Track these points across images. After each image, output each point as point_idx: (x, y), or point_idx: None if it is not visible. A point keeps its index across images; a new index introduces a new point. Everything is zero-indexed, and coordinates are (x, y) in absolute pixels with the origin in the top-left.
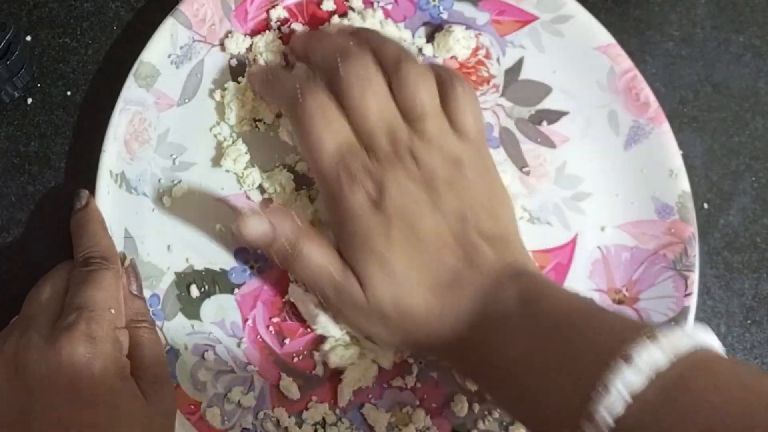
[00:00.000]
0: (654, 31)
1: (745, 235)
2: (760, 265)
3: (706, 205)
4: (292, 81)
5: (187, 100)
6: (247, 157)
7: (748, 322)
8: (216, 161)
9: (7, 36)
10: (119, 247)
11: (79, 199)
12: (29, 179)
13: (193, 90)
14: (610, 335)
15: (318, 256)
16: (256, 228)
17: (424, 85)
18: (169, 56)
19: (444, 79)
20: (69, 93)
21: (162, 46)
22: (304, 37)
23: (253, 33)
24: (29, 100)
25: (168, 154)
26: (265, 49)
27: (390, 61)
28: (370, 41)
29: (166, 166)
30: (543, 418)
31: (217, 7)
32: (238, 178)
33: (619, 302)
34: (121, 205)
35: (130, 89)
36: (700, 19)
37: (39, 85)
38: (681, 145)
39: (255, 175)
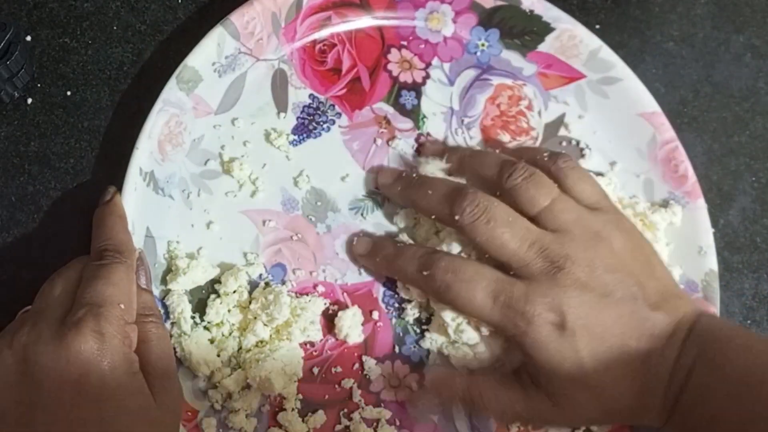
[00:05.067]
0: (654, 31)
1: (745, 235)
2: (760, 265)
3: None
4: (409, 255)
5: (225, 111)
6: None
7: (748, 322)
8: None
9: (7, 36)
10: (138, 245)
11: (105, 194)
12: (29, 179)
13: (232, 101)
14: None
15: (496, 403)
16: (427, 407)
17: (532, 183)
18: (213, 64)
19: (547, 165)
20: (69, 93)
21: (207, 52)
22: (404, 190)
23: (299, 53)
24: (29, 100)
25: (199, 160)
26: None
27: (493, 179)
28: (465, 166)
29: (196, 173)
30: None
31: (267, 22)
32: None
33: None
34: (147, 203)
35: (171, 91)
36: (700, 19)
37: (39, 85)
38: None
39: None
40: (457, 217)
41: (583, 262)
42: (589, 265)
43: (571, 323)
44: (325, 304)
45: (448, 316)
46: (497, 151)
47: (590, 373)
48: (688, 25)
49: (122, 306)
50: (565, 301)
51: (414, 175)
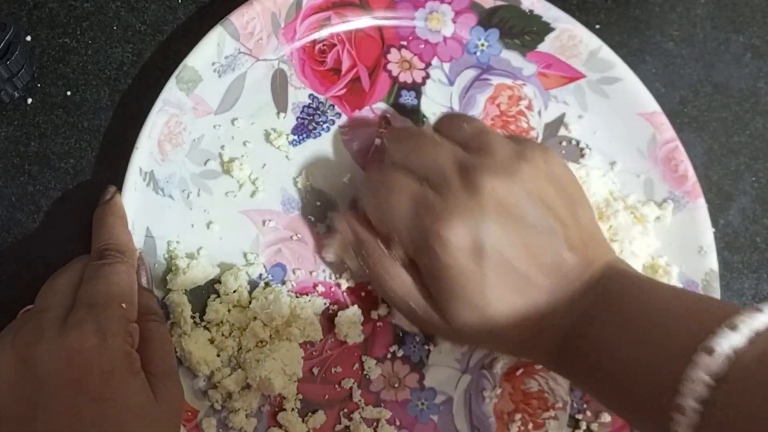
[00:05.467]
0: (654, 31)
1: (745, 235)
2: (760, 265)
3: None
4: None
5: (224, 111)
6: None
7: None
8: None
9: (7, 36)
10: (138, 245)
11: (105, 193)
12: (29, 179)
13: (232, 101)
14: (694, 325)
15: (395, 285)
16: (341, 229)
17: (462, 116)
18: (213, 64)
19: None
20: (69, 93)
21: (207, 52)
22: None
23: (299, 53)
24: (29, 100)
25: (199, 160)
26: None
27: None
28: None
29: (196, 172)
30: (637, 410)
31: (266, 22)
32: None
33: None
34: (147, 204)
35: (171, 91)
36: (700, 19)
37: (39, 85)
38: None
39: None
40: (386, 142)
41: (504, 183)
42: (510, 188)
43: (487, 252)
44: (325, 304)
45: None
46: None
47: (491, 303)
48: (688, 25)
49: (124, 305)
50: (484, 227)
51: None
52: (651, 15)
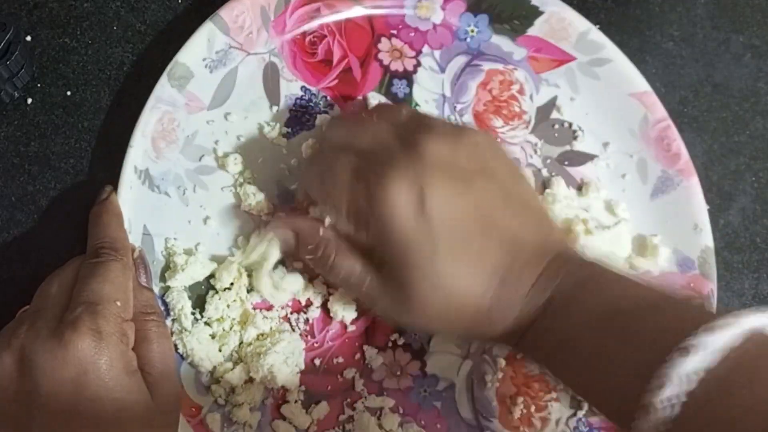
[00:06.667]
0: (654, 31)
1: (745, 235)
2: (760, 265)
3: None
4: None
5: (217, 106)
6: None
7: None
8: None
9: (7, 36)
10: (136, 243)
11: (101, 193)
12: (29, 179)
13: (224, 96)
14: (670, 327)
15: (346, 270)
16: (279, 234)
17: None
18: (204, 60)
19: None
20: (69, 93)
21: (198, 49)
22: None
23: (289, 46)
24: (29, 100)
25: (194, 156)
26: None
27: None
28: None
29: (191, 169)
30: (605, 403)
31: (256, 15)
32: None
33: None
34: (143, 201)
35: (163, 88)
36: (700, 19)
37: (39, 85)
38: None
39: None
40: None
41: (447, 146)
42: (453, 151)
43: (429, 205)
44: (324, 297)
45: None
46: None
47: (443, 273)
48: (688, 25)
49: (119, 303)
50: (426, 179)
51: None
52: (651, 15)
